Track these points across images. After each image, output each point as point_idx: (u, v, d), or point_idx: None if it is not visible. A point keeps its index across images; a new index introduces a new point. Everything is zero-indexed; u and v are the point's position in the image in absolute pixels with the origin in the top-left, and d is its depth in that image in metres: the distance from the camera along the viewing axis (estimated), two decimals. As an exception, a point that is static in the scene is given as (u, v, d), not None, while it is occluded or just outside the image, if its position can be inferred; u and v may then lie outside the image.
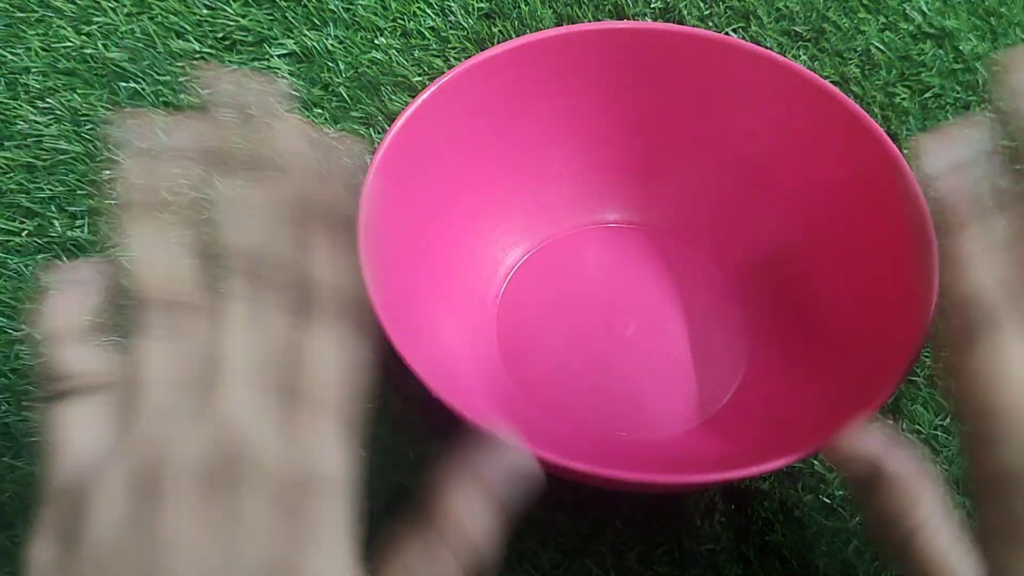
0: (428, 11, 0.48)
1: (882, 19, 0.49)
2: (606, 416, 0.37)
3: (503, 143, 0.39)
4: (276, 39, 0.46)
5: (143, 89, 0.44)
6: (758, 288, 0.39)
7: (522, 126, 0.39)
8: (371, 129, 0.44)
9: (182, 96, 0.44)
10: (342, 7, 0.48)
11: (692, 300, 0.40)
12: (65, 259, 0.40)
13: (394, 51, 0.46)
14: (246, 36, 0.46)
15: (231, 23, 0.47)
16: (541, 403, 0.37)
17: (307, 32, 0.47)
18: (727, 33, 0.48)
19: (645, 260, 0.41)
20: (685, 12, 0.49)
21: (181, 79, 0.45)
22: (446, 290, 0.37)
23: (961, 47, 0.48)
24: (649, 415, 0.37)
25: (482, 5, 0.48)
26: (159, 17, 0.47)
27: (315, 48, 0.46)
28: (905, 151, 0.33)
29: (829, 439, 0.27)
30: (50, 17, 0.47)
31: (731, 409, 0.37)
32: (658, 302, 0.40)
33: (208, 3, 0.47)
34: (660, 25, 0.38)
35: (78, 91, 0.44)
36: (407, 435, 0.36)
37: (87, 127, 0.43)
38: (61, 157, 0.42)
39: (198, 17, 0.47)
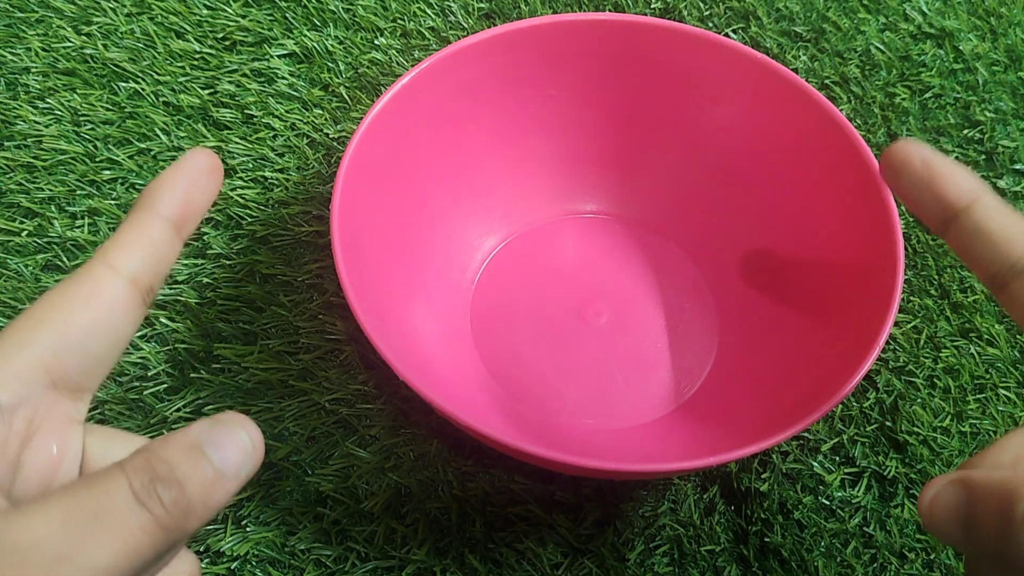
0: (428, 11, 0.48)
1: (882, 19, 0.49)
2: (575, 403, 0.37)
3: (482, 130, 0.39)
4: (276, 39, 0.46)
5: (143, 89, 0.44)
6: (730, 280, 0.40)
7: (502, 114, 0.39)
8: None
9: (182, 96, 0.44)
10: (342, 7, 0.48)
11: (664, 291, 0.40)
12: (65, 259, 0.40)
13: (394, 51, 0.46)
14: (246, 36, 0.46)
15: (231, 23, 0.47)
16: (512, 389, 0.37)
17: (307, 32, 0.47)
18: (726, 34, 0.48)
19: (620, 251, 0.42)
20: (685, 12, 0.49)
21: (181, 79, 0.45)
22: (421, 275, 0.38)
23: (961, 47, 0.48)
24: (618, 403, 0.37)
25: (482, 5, 0.48)
26: (159, 17, 0.47)
27: (315, 48, 0.46)
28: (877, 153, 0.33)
29: (796, 428, 0.28)
30: (50, 17, 0.47)
31: (699, 399, 0.37)
32: (631, 292, 0.40)
33: (208, 3, 0.47)
34: (639, 18, 0.38)
35: (78, 91, 0.44)
36: (407, 435, 0.36)
37: (87, 127, 0.43)
38: (61, 157, 0.42)
39: (198, 17, 0.47)
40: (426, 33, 0.47)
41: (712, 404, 0.37)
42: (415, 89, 0.36)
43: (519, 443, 0.27)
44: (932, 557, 0.35)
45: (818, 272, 0.36)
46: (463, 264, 0.40)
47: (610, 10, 0.49)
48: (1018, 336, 0.40)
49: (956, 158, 0.45)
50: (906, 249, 0.41)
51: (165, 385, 0.37)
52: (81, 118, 0.44)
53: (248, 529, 0.34)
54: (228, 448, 0.21)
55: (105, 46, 0.46)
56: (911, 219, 0.43)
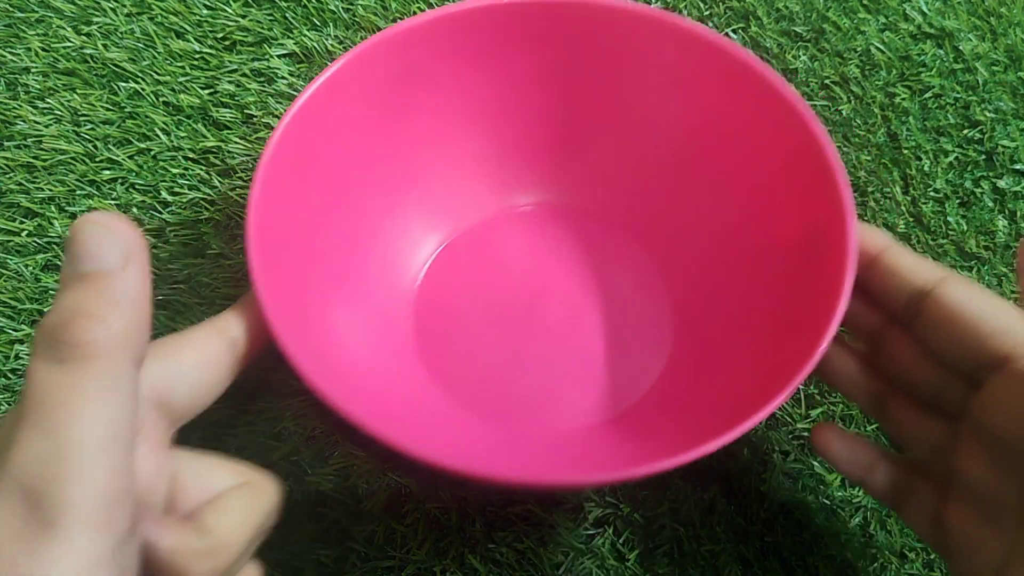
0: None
1: (882, 19, 0.49)
2: (520, 407, 0.36)
3: (420, 121, 0.37)
4: (276, 39, 0.46)
5: (143, 89, 0.44)
6: (685, 272, 0.38)
7: (439, 104, 0.37)
8: (371, 129, 0.44)
9: (182, 96, 0.44)
10: (342, 7, 0.48)
11: (618, 286, 0.39)
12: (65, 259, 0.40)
13: (394, 51, 0.46)
14: (246, 36, 0.46)
15: (231, 23, 0.47)
16: (454, 395, 0.36)
17: (307, 32, 0.47)
18: (726, 34, 0.48)
19: (570, 245, 0.39)
20: (684, 12, 0.49)
21: (181, 79, 0.45)
22: (353, 281, 0.35)
23: (961, 47, 0.48)
24: (565, 406, 0.36)
25: (482, 5, 0.48)
26: (159, 17, 0.47)
27: (315, 48, 0.46)
28: (827, 140, 0.32)
29: (743, 428, 0.26)
30: (50, 17, 0.47)
31: (650, 400, 0.35)
32: (583, 288, 0.38)
33: (208, 3, 0.47)
34: None
35: (78, 91, 0.44)
36: (407, 435, 0.36)
37: (87, 127, 0.43)
38: (61, 157, 0.42)
39: (198, 17, 0.47)
40: (426, 33, 0.47)
41: (667, 402, 0.35)
42: (335, 87, 0.33)
43: (441, 458, 0.26)
44: (932, 557, 0.35)
45: (776, 270, 0.34)
46: (403, 266, 0.38)
47: None
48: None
49: (956, 158, 0.45)
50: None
51: (165, 385, 0.37)
52: (81, 118, 0.44)
53: (248, 529, 0.34)
54: (95, 254, 0.20)
55: (105, 46, 0.46)
56: (895, 222, 0.43)
